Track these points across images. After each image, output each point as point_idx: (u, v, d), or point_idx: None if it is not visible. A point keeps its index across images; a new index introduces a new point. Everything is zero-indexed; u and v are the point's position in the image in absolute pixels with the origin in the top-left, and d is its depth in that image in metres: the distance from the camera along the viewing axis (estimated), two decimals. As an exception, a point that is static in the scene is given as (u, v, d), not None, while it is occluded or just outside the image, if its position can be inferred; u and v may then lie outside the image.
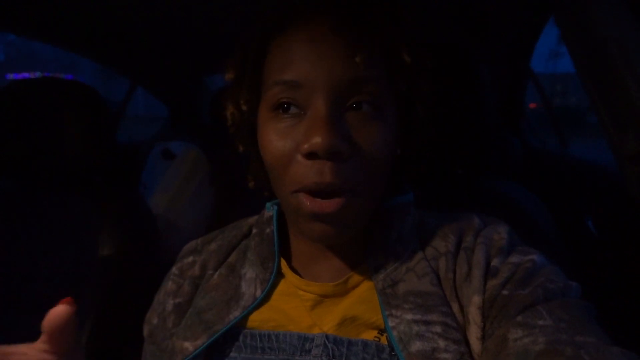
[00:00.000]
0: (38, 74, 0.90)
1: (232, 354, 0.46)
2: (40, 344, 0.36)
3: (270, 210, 0.53)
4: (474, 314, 0.40)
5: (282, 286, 0.49)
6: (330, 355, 0.42)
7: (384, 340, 0.43)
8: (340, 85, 0.40)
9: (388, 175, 0.45)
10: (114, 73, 1.64)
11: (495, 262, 0.43)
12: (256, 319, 0.47)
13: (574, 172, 1.17)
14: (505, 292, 0.40)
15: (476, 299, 0.41)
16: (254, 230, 0.54)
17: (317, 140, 0.37)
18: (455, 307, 0.42)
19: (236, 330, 0.47)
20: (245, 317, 0.47)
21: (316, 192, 0.39)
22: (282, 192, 0.43)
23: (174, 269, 0.55)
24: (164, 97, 1.87)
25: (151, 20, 1.12)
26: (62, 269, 0.79)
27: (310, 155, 0.39)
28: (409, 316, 0.41)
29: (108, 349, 0.77)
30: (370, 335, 0.44)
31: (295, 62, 0.41)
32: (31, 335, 0.77)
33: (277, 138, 0.41)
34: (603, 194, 0.98)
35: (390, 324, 0.41)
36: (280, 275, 0.50)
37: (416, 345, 0.39)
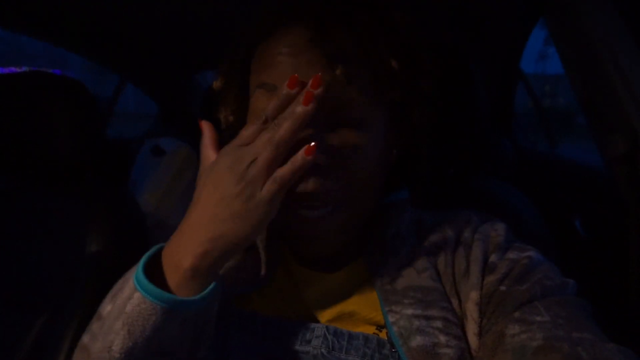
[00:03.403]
0: (25, 68, 0.88)
1: (231, 337, 0.45)
2: None
3: None
4: (471, 310, 0.41)
5: (283, 273, 0.49)
6: (330, 347, 0.42)
7: (383, 335, 0.43)
8: (326, 95, 0.39)
9: (378, 184, 0.45)
10: (103, 69, 1.62)
11: (493, 258, 0.43)
12: (258, 302, 0.47)
13: (563, 173, 1.18)
14: (502, 287, 0.40)
15: (473, 295, 0.41)
16: None
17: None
18: (455, 303, 0.42)
19: (235, 312, 0.47)
20: (246, 300, 0.47)
21: (298, 200, 0.40)
22: None
23: None
24: (154, 94, 1.85)
25: (141, 15, 1.10)
26: (50, 266, 0.78)
27: None
28: (409, 311, 0.41)
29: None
30: (368, 330, 0.44)
31: (273, 65, 0.41)
32: (20, 332, 0.76)
33: None
34: (591, 195, 0.99)
35: (390, 319, 0.41)
36: (282, 260, 0.50)
37: (416, 340, 0.39)
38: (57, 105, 0.80)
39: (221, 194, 0.36)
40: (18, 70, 0.89)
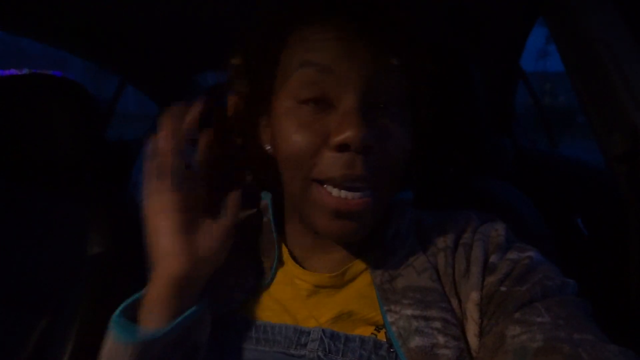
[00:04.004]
0: (26, 71, 0.88)
1: (226, 342, 0.45)
2: None
3: (265, 199, 0.53)
4: (471, 310, 0.40)
5: (280, 275, 0.49)
6: (327, 350, 0.42)
7: (381, 336, 0.43)
8: (371, 80, 0.40)
9: (400, 178, 0.45)
10: (104, 70, 1.62)
11: (493, 258, 0.43)
12: (253, 307, 0.47)
13: (563, 172, 1.18)
14: (503, 288, 0.40)
15: (474, 295, 0.41)
16: (249, 222, 0.54)
17: (350, 133, 0.37)
18: (454, 303, 0.42)
19: (231, 317, 0.47)
20: (242, 305, 0.47)
21: (341, 183, 0.39)
22: (299, 183, 0.42)
23: None
24: (154, 95, 1.85)
25: (141, 17, 1.10)
26: (52, 267, 0.78)
27: (341, 148, 0.39)
28: (409, 311, 0.41)
29: (96, 348, 0.76)
30: (367, 331, 0.43)
31: (324, 48, 0.40)
32: (23, 332, 0.76)
33: (300, 129, 0.41)
34: (592, 194, 0.99)
35: (389, 319, 0.41)
36: (280, 263, 0.49)
37: (415, 341, 0.39)
38: (58, 107, 0.81)
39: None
40: (18, 72, 0.89)
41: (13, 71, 0.95)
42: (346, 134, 0.38)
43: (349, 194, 0.39)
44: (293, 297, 0.47)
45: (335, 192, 0.40)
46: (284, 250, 0.50)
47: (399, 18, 0.43)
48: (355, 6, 0.42)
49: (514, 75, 1.43)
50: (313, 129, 0.40)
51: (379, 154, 0.40)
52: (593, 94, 0.72)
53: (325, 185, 0.40)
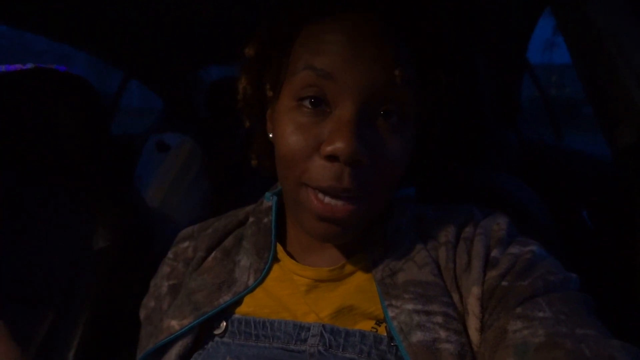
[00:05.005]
0: (30, 65, 0.89)
1: (226, 340, 0.46)
2: None
3: (269, 201, 0.53)
4: (472, 305, 0.40)
5: (277, 272, 0.49)
6: (327, 345, 0.42)
7: (381, 330, 0.43)
8: (373, 89, 0.39)
9: (400, 181, 0.44)
10: (107, 65, 1.62)
11: (494, 252, 0.42)
12: (251, 305, 0.47)
13: (569, 165, 1.17)
14: (504, 283, 0.40)
15: (475, 290, 0.40)
16: (251, 219, 0.54)
17: (340, 145, 0.37)
18: (455, 298, 0.42)
19: (230, 315, 0.47)
20: (238, 303, 0.47)
21: (328, 192, 0.39)
22: (290, 184, 0.42)
23: (169, 253, 0.56)
24: (158, 90, 1.85)
25: (145, 12, 1.10)
26: (56, 262, 0.78)
27: (331, 158, 0.38)
28: (410, 306, 0.41)
29: (103, 341, 0.77)
30: (367, 325, 0.43)
31: (330, 52, 0.40)
32: (31, 327, 0.77)
33: (297, 131, 0.40)
34: (598, 186, 0.98)
35: (390, 314, 0.41)
36: (275, 260, 0.49)
37: (417, 336, 0.39)
38: (62, 101, 0.81)
39: None
40: (23, 67, 0.89)
41: (17, 66, 0.95)
42: (336, 145, 0.37)
43: (333, 201, 0.39)
44: (291, 293, 0.47)
45: (320, 196, 0.40)
46: (279, 248, 0.50)
47: (416, 30, 0.42)
48: (371, 8, 0.41)
49: (520, 67, 1.41)
50: (308, 133, 0.40)
51: (370, 168, 0.39)
52: (600, 86, 0.71)
53: (310, 189, 0.40)
